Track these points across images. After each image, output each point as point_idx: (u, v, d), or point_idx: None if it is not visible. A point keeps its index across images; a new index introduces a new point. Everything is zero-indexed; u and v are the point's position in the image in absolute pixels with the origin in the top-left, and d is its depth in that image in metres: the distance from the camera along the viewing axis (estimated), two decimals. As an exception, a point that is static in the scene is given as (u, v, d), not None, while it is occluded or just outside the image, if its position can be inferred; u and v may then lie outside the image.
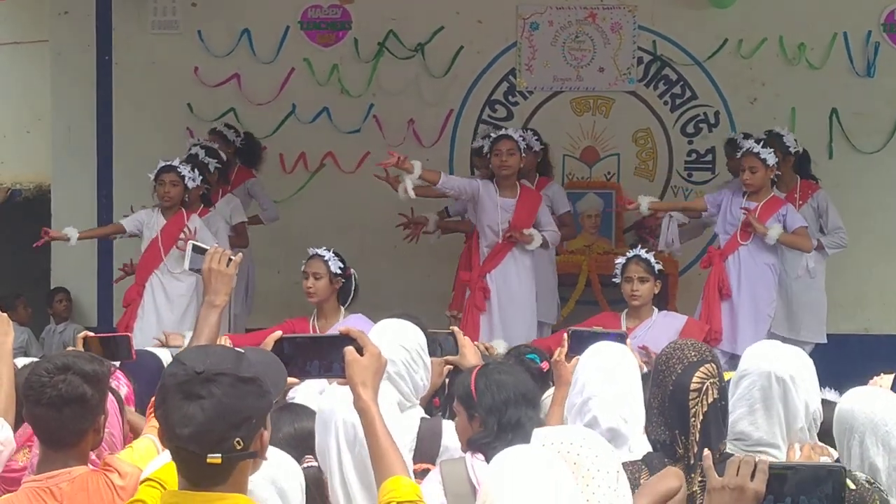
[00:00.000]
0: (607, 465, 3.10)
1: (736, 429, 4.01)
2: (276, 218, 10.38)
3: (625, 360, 4.47)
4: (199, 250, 4.35)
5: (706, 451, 3.08)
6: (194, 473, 2.77)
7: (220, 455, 2.70)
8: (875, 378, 5.01)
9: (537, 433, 3.27)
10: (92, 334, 4.87)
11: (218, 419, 2.71)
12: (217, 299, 4.17)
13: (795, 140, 9.32)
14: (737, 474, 2.87)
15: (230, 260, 4.21)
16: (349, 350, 3.27)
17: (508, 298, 8.80)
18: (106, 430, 3.98)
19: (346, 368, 3.26)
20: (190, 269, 4.41)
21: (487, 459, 3.93)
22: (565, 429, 3.31)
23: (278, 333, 3.42)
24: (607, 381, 4.32)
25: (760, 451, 4.01)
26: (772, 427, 4.01)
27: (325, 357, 3.34)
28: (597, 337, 5.10)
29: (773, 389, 4.00)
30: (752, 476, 2.86)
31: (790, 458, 4.04)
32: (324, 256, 7.48)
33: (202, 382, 2.72)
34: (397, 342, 4.44)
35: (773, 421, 4.01)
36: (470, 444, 4.13)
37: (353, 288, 7.52)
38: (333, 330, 6.91)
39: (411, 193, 8.66)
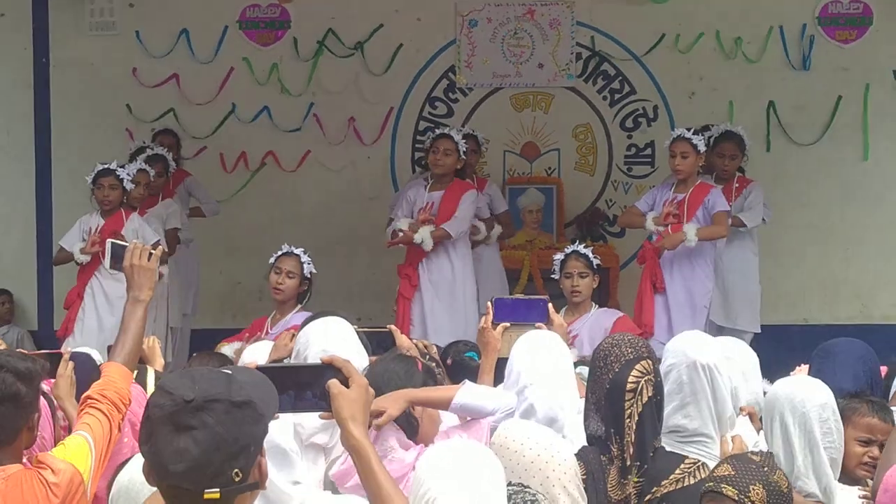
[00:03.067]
0: (572, 468, 3.12)
1: (670, 422, 4.03)
2: (217, 212, 10.38)
3: (557, 347, 4.50)
4: (118, 248, 4.30)
5: None
6: None
7: (218, 490, 2.46)
8: (804, 366, 5.08)
9: (504, 426, 3.27)
10: (36, 352, 4.85)
11: (213, 451, 2.45)
12: (141, 294, 4.13)
13: None
14: None
15: (150, 254, 4.19)
16: (333, 383, 2.97)
17: (443, 288, 8.75)
18: (37, 431, 3.95)
19: (333, 402, 2.96)
20: (111, 268, 4.35)
21: None
22: (528, 429, 3.29)
23: (253, 362, 3.14)
24: (542, 369, 4.34)
25: (696, 442, 4.03)
26: (703, 417, 4.03)
27: (301, 388, 2.99)
28: (519, 303, 5.15)
29: (700, 379, 4.02)
30: None
31: (723, 452, 4.07)
32: (299, 256, 7.46)
33: (193, 412, 2.47)
34: (319, 346, 4.42)
35: (704, 411, 4.03)
36: None
37: (310, 291, 7.54)
38: (282, 326, 6.89)
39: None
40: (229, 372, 2.64)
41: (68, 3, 10.94)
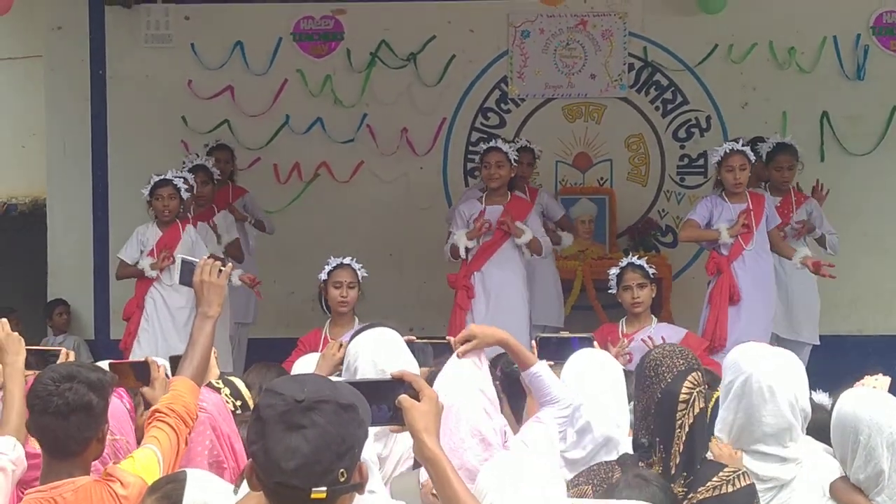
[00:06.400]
0: None
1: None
2: (271, 231, 10.38)
3: (609, 365, 4.50)
4: (188, 263, 4.35)
5: None
6: None
7: (325, 489, 2.51)
8: (868, 378, 5.00)
9: None
10: (120, 361, 4.95)
11: (324, 449, 2.51)
12: (210, 310, 4.17)
13: None
14: None
15: (220, 271, 4.23)
16: (404, 398, 3.02)
17: (496, 298, 8.72)
18: (122, 437, 4.02)
19: (406, 416, 3.01)
20: (180, 283, 4.40)
21: None
22: None
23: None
24: (595, 387, 4.34)
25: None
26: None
27: (374, 402, 2.98)
28: (564, 342, 5.09)
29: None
30: None
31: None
32: (352, 265, 7.47)
33: (304, 411, 2.53)
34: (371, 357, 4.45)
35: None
36: None
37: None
38: (348, 336, 6.89)
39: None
40: (331, 379, 2.72)
41: (124, 15, 11.06)
